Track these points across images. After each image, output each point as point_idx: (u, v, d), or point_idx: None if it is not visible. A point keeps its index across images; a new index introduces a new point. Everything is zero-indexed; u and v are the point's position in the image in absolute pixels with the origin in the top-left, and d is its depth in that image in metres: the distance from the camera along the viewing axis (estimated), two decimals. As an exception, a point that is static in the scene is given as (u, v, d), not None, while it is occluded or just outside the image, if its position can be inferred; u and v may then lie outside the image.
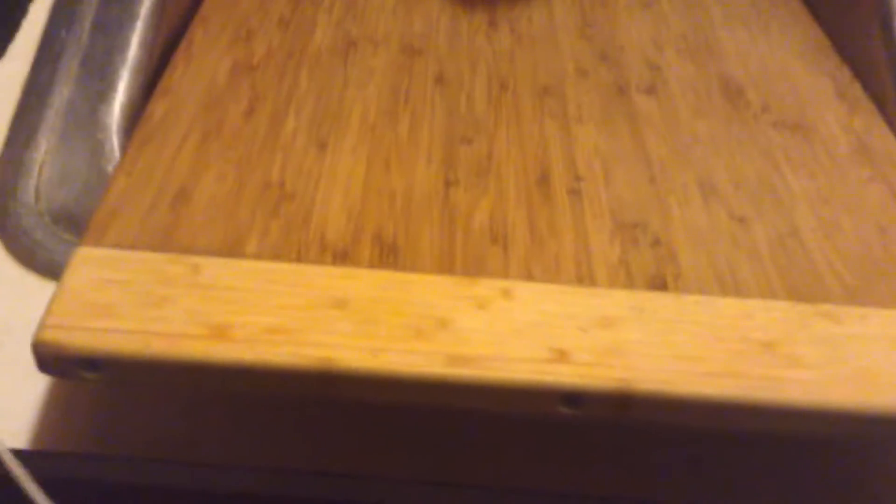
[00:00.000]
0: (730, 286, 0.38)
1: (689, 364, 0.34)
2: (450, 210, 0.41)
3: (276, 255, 0.38)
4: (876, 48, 0.53)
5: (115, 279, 0.36)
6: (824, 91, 0.51)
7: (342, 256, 0.38)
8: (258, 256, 0.38)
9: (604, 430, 0.40)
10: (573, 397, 0.34)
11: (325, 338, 0.34)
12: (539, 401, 0.34)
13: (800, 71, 0.53)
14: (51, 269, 0.43)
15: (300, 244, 0.39)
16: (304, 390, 0.34)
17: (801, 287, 0.38)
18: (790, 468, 0.39)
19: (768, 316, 0.37)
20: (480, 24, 0.56)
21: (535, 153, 0.45)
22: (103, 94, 0.48)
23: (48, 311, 0.34)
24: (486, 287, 0.37)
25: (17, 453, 0.37)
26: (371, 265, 0.38)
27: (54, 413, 0.39)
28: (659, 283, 0.38)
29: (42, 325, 0.34)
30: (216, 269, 0.37)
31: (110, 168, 0.46)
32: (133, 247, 0.38)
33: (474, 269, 0.38)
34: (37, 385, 0.39)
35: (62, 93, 0.49)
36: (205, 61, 0.50)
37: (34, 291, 0.42)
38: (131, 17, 0.50)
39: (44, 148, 0.47)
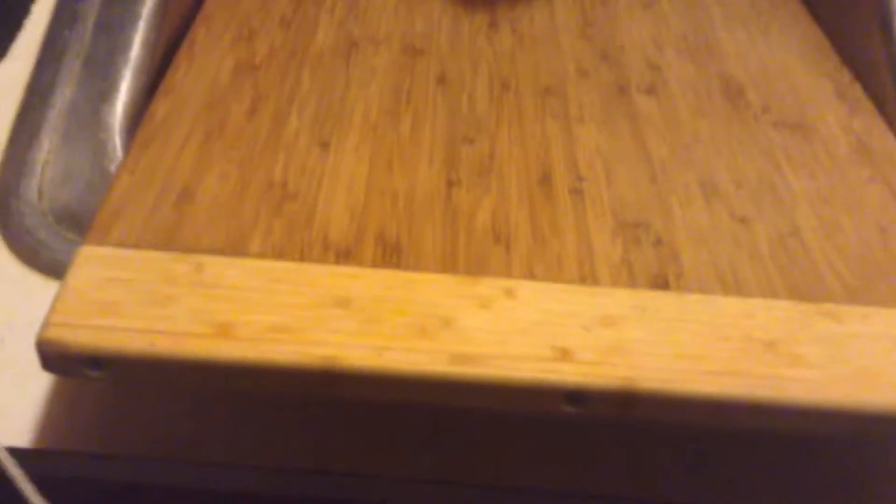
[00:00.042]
0: (731, 285, 0.38)
1: (692, 363, 0.35)
2: (452, 210, 0.41)
3: (280, 255, 0.38)
4: (875, 49, 0.53)
5: (118, 278, 0.36)
6: (824, 91, 0.52)
7: (345, 255, 0.39)
8: (262, 255, 0.38)
9: (606, 429, 0.40)
10: (576, 396, 0.34)
11: (329, 336, 0.34)
12: (542, 399, 0.34)
13: (800, 71, 0.53)
14: (53, 269, 0.43)
15: (303, 243, 0.39)
16: (308, 389, 0.34)
17: (803, 286, 0.39)
18: (792, 466, 0.39)
19: (770, 315, 0.37)
20: (482, 24, 0.56)
21: (536, 153, 0.45)
22: (106, 93, 0.48)
23: (52, 309, 0.34)
24: (488, 286, 0.37)
25: (20, 452, 0.37)
26: (374, 264, 0.38)
27: (57, 412, 0.39)
28: (661, 283, 0.38)
29: (46, 324, 0.34)
30: (220, 267, 0.37)
31: (113, 167, 0.46)
32: (136, 246, 0.38)
33: (477, 268, 0.38)
34: (40, 384, 0.40)
35: (65, 92, 0.49)
36: (207, 61, 0.50)
37: (37, 290, 0.42)
38: (134, 17, 0.51)
39: (46, 147, 0.47)
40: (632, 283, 0.38)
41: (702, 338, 0.36)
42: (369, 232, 0.40)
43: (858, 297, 0.38)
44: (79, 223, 0.44)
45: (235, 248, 0.38)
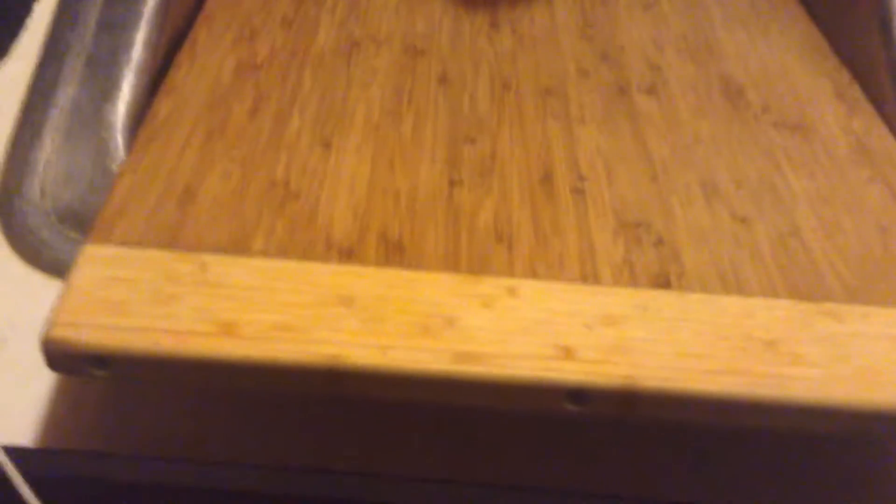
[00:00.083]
0: (732, 285, 0.38)
1: (693, 362, 0.35)
2: (454, 209, 0.42)
3: (283, 254, 0.38)
4: (874, 49, 0.53)
5: (122, 277, 0.36)
6: (824, 92, 0.52)
7: (348, 254, 0.39)
8: (264, 254, 0.38)
9: (608, 428, 0.40)
10: (578, 394, 0.34)
11: (332, 335, 0.35)
12: (544, 398, 0.34)
13: (799, 72, 0.53)
14: (56, 268, 0.43)
15: (306, 242, 0.39)
16: (312, 387, 0.34)
17: (803, 286, 0.39)
18: (792, 465, 0.39)
19: (770, 314, 0.37)
20: (482, 24, 0.56)
21: (538, 153, 0.45)
22: (108, 93, 0.48)
23: (56, 308, 0.34)
24: (491, 285, 0.37)
25: (22, 451, 0.37)
26: (377, 263, 0.38)
27: (60, 411, 0.39)
28: (662, 282, 0.38)
29: (51, 323, 0.34)
30: (223, 266, 0.37)
31: (115, 167, 0.46)
32: (140, 245, 0.38)
33: (479, 267, 0.38)
34: (42, 383, 0.40)
35: (67, 92, 0.49)
36: (209, 61, 0.50)
37: (40, 290, 0.43)
38: (136, 17, 0.51)
39: (49, 147, 0.47)
40: (633, 282, 0.38)
41: (703, 337, 0.36)
42: (372, 231, 0.40)
43: (859, 297, 0.38)
44: (81, 222, 0.44)
45: (238, 247, 0.38)
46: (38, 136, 0.47)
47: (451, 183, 0.43)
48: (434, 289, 0.37)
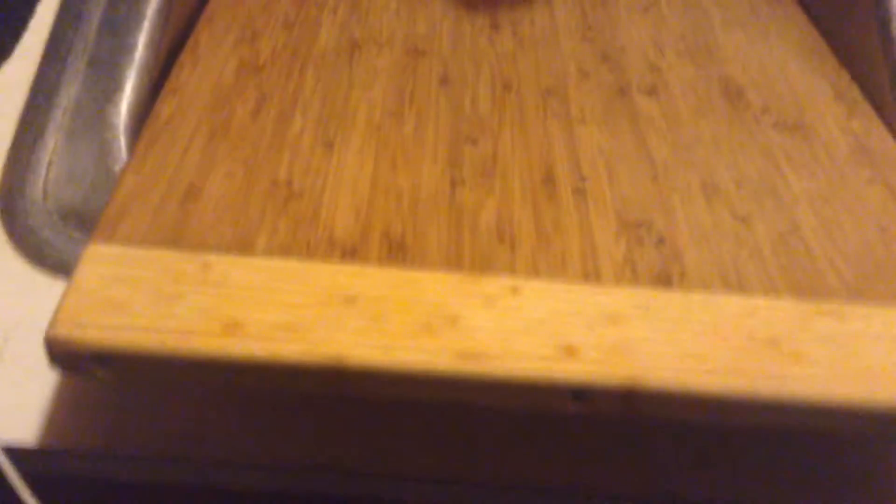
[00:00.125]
0: (733, 284, 0.39)
1: (695, 361, 0.35)
2: (456, 209, 0.42)
3: (286, 253, 0.38)
4: (874, 51, 0.54)
5: (125, 276, 0.36)
6: (823, 93, 0.52)
7: (350, 254, 0.39)
8: (268, 254, 0.38)
9: (610, 427, 0.40)
10: (581, 393, 0.34)
11: (335, 334, 0.35)
12: (547, 396, 0.34)
13: (799, 73, 0.54)
14: (59, 267, 0.43)
15: (309, 242, 0.39)
16: (315, 386, 0.34)
17: (804, 285, 0.39)
18: (794, 463, 0.40)
19: (772, 313, 0.37)
20: (483, 26, 0.57)
21: (539, 153, 0.46)
22: (110, 93, 0.49)
23: (60, 307, 0.35)
24: (493, 285, 0.37)
25: (23, 451, 0.37)
26: (379, 263, 0.38)
27: (62, 410, 0.39)
28: (664, 281, 0.38)
29: (54, 322, 0.34)
30: (226, 266, 0.37)
31: (117, 167, 0.46)
32: (143, 244, 0.38)
33: (481, 267, 0.39)
34: (45, 382, 0.40)
35: (69, 92, 0.49)
36: (211, 62, 0.50)
37: (42, 289, 0.43)
38: (138, 18, 0.51)
39: (51, 147, 0.47)
40: (635, 281, 0.38)
41: (704, 336, 0.36)
42: (374, 230, 0.40)
43: (859, 296, 0.38)
44: (84, 222, 0.45)
45: (241, 246, 0.39)
46: (40, 136, 0.47)
47: (453, 183, 0.43)
48: (436, 288, 0.37)
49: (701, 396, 0.34)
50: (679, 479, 0.39)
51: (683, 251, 0.40)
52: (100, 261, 0.37)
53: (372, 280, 0.37)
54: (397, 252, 0.39)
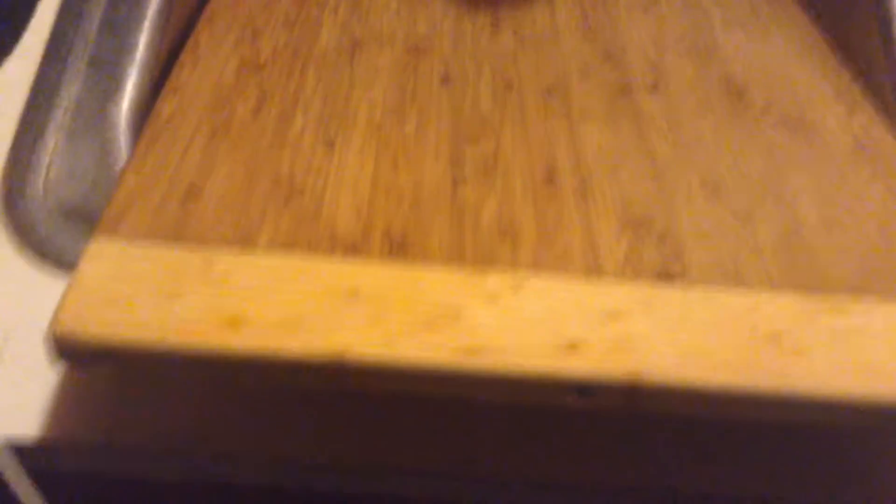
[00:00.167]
0: (735, 281, 0.39)
1: (696, 356, 0.35)
2: (458, 207, 0.42)
3: (288, 250, 0.39)
4: (874, 50, 0.54)
5: (128, 273, 0.36)
6: (824, 92, 0.52)
7: (352, 251, 0.39)
8: (269, 251, 0.38)
9: (612, 421, 0.40)
10: (583, 388, 0.34)
11: (338, 330, 0.35)
12: (550, 391, 0.34)
13: (800, 72, 0.54)
14: (60, 265, 0.43)
15: (310, 239, 0.39)
16: (318, 381, 0.34)
17: (806, 281, 0.39)
18: (797, 457, 0.40)
19: (773, 309, 0.37)
20: (484, 25, 0.57)
21: (540, 151, 0.46)
22: (111, 92, 0.49)
23: (63, 302, 0.35)
24: (496, 281, 0.37)
25: (26, 446, 0.37)
26: (381, 260, 0.38)
27: (64, 406, 0.39)
28: (666, 277, 0.38)
29: (57, 318, 0.34)
30: (228, 262, 0.37)
31: (118, 166, 0.46)
32: (145, 241, 0.38)
33: (483, 264, 0.39)
34: (47, 378, 0.40)
35: (70, 92, 0.49)
36: (212, 60, 0.50)
37: (43, 286, 0.43)
38: (139, 17, 0.51)
39: (52, 146, 0.47)
40: (637, 277, 0.38)
41: (706, 332, 0.36)
42: (376, 228, 0.40)
43: (861, 293, 0.38)
44: (85, 220, 0.45)
45: (243, 243, 0.39)
46: (41, 135, 0.48)
47: (455, 181, 0.43)
48: (438, 284, 0.37)
49: (703, 391, 0.34)
50: (680, 474, 0.39)
51: (685, 248, 0.40)
52: (102, 258, 0.37)
53: (374, 276, 0.37)
54: (399, 249, 0.39)
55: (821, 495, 0.38)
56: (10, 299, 0.42)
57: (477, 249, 0.39)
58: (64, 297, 0.35)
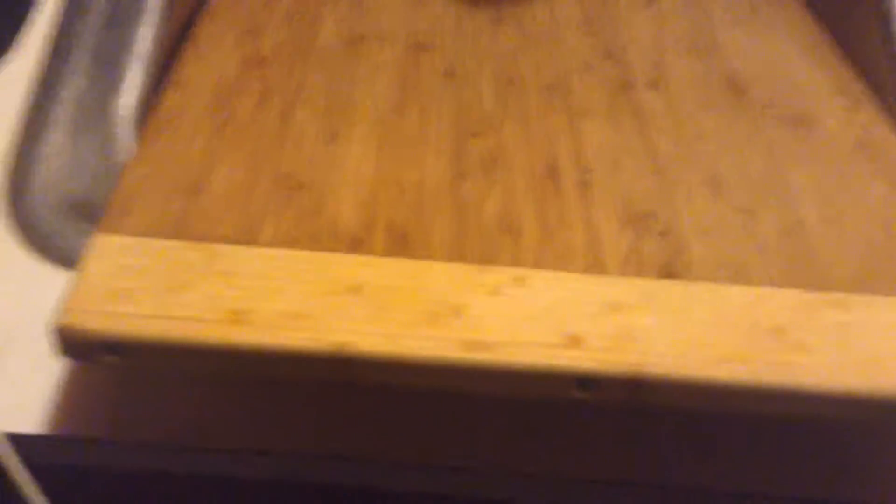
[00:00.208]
0: (737, 275, 0.39)
1: (699, 349, 0.35)
2: (460, 201, 0.42)
3: (291, 244, 0.39)
4: (875, 47, 0.54)
5: (133, 265, 0.36)
6: (826, 87, 0.52)
7: (355, 245, 0.39)
8: (273, 244, 0.38)
9: (615, 416, 0.40)
10: (586, 382, 0.34)
11: (341, 323, 0.35)
12: (552, 385, 0.34)
13: (801, 68, 0.54)
14: (63, 258, 0.43)
15: (313, 233, 0.39)
16: (321, 375, 0.35)
17: (808, 275, 0.39)
18: (799, 451, 0.40)
19: (776, 303, 0.37)
20: (485, 21, 0.57)
21: (542, 146, 0.46)
22: (114, 86, 0.49)
23: (68, 296, 0.35)
24: (498, 275, 0.38)
25: (30, 440, 0.37)
26: (384, 254, 0.39)
27: (69, 400, 0.39)
28: (668, 272, 0.39)
29: (63, 310, 0.34)
30: (232, 256, 0.37)
31: (121, 159, 0.46)
32: (150, 234, 0.38)
33: (486, 257, 0.39)
34: (51, 372, 0.40)
35: (73, 86, 0.49)
36: (214, 55, 0.50)
37: (47, 280, 0.43)
38: (141, 12, 0.51)
39: (56, 140, 0.47)
40: (639, 272, 0.38)
41: (709, 325, 0.36)
42: (378, 222, 0.40)
43: (863, 287, 0.38)
44: (88, 214, 0.45)
45: (247, 237, 0.39)
46: (44, 129, 0.48)
47: (457, 176, 0.44)
48: (441, 278, 0.37)
49: (705, 385, 0.34)
50: (682, 468, 0.39)
51: (688, 243, 0.40)
52: (106, 251, 0.37)
53: (377, 270, 0.37)
54: (402, 243, 0.39)
55: (821, 489, 0.39)
56: (13, 294, 0.42)
57: (479, 243, 0.39)
58: (68, 290, 0.35)
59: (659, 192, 0.43)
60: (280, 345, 0.34)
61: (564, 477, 0.38)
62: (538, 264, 0.39)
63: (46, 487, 0.37)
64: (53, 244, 0.44)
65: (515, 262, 0.39)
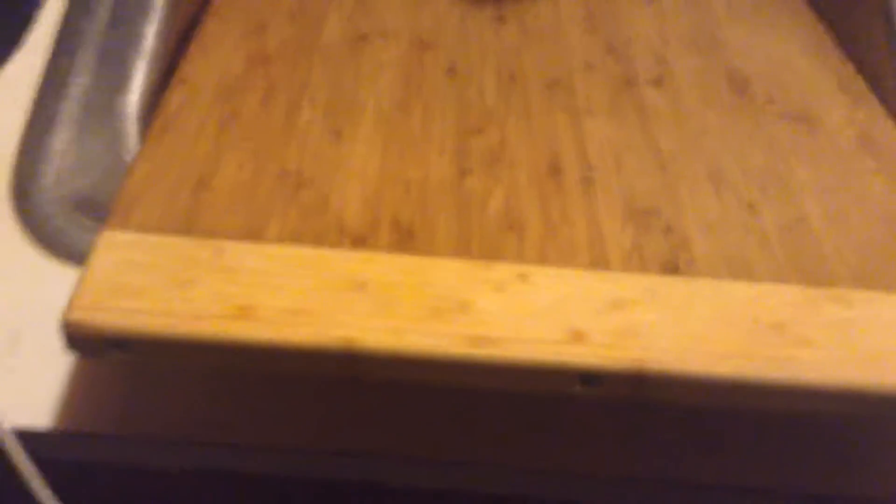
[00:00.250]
0: (740, 271, 0.39)
1: (702, 345, 0.35)
2: (464, 198, 0.42)
3: (296, 240, 0.39)
4: (878, 44, 0.54)
5: (140, 261, 0.37)
6: (828, 84, 0.52)
7: (360, 241, 0.39)
8: (279, 241, 0.39)
9: (619, 411, 0.40)
10: (590, 377, 0.34)
11: (347, 319, 0.35)
12: (556, 380, 0.35)
13: (804, 65, 0.54)
14: (71, 255, 0.43)
15: (319, 229, 0.40)
16: (327, 370, 0.35)
17: (810, 271, 0.39)
18: (801, 445, 0.40)
19: (778, 299, 0.38)
20: (488, 18, 0.57)
21: (546, 143, 0.46)
22: (120, 84, 0.49)
23: (76, 292, 0.35)
24: (502, 271, 0.38)
25: (38, 435, 0.38)
26: (389, 250, 0.39)
27: (76, 396, 0.40)
28: (671, 268, 0.39)
29: (70, 306, 0.34)
30: (238, 252, 0.38)
31: (128, 156, 0.47)
32: (157, 231, 0.38)
33: (490, 254, 0.39)
34: (59, 368, 0.40)
35: (80, 83, 0.49)
36: (219, 52, 0.51)
37: (55, 276, 0.43)
38: (147, 10, 0.51)
39: (63, 137, 0.48)
40: (642, 268, 0.39)
41: (711, 321, 0.36)
42: (383, 218, 0.40)
43: (865, 283, 0.39)
44: (95, 210, 0.45)
45: (253, 233, 0.39)
46: (51, 126, 0.48)
47: (461, 172, 0.44)
48: (446, 274, 0.38)
49: (707, 380, 0.34)
50: (685, 463, 0.39)
51: (691, 239, 0.41)
52: (114, 247, 0.37)
53: (382, 266, 0.38)
54: (406, 239, 0.39)
55: (824, 484, 0.39)
56: (20, 290, 0.43)
57: (483, 240, 0.40)
58: (76, 286, 0.35)
59: (661, 188, 0.43)
60: (286, 340, 0.34)
61: (569, 472, 0.39)
62: (542, 261, 0.39)
63: (54, 482, 0.37)
64: (60, 241, 0.44)
65: (519, 258, 0.39)
